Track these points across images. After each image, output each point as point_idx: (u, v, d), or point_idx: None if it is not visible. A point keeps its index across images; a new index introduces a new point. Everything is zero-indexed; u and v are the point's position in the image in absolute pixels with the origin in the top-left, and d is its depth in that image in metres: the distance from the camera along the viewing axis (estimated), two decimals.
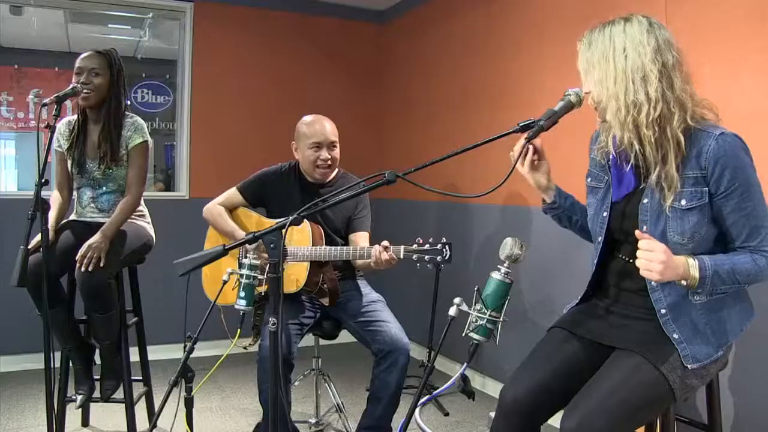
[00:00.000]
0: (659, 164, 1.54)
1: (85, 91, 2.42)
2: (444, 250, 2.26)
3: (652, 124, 1.50)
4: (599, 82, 1.56)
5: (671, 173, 1.52)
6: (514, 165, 1.70)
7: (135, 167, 2.52)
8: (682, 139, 1.51)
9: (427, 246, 2.27)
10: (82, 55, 2.47)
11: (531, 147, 1.72)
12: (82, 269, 2.27)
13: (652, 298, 1.59)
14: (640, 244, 1.47)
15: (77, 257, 2.28)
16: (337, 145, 2.69)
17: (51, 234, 2.33)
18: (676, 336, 1.55)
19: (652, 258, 1.44)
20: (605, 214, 1.69)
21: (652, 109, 1.50)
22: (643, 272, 1.47)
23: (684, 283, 1.49)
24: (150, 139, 2.59)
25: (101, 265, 2.29)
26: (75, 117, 2.56)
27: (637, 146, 1.55)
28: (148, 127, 2.60)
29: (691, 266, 1.48)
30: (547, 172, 1.79)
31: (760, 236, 1.51)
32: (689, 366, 1.53)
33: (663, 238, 1.55)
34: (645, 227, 1.59)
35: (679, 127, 1.51)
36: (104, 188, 2.55)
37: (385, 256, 2.30)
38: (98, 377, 2.52)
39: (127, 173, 2.53)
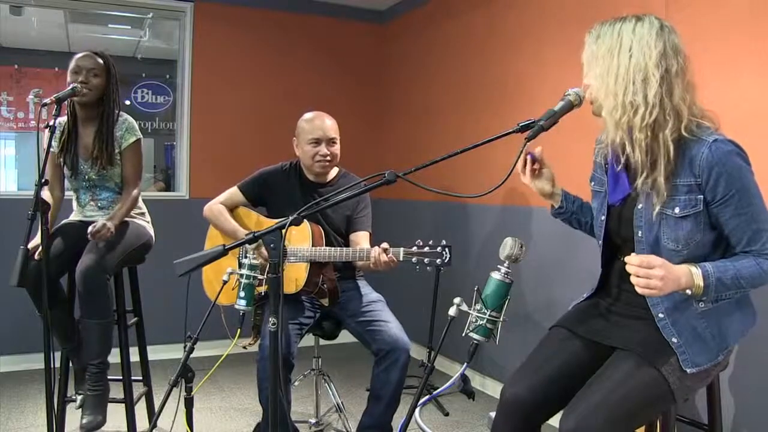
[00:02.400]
0: (647, 170, 1.53)
1: (84, 90, 2.42)
2: (444, 252, 2.25)
3: (645, 128, 1.49)
4: (600, 77, 1.55)
5: (659, 182, 1.51)
6: (513, 166, 1.69)
7: (130, 166, 2.54)
8: (672, 148, 1.49)
9: (426, 249, 2.26)
10: (79, 55, 2.47)
11: (529, 157, 1.72)
12: (98, 243, 2.29)
13: (649, 303, 1.59)
14: (629, 268, 1.45)
15: (89, 231, 2.28)
16: (337, 141, 2.69)
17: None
18: (675, 340, 1.54)
19: (650, 275, 1.42)
20: (603, 217, 1.69)
21: (647, 114, 1.49)
22: (642, 291, 1.44)
23: (689, 292, 1.48)
24: (142, 137, 2.60)
25: (111, 233, 2.31)
26: (64, 119, 2.54)
27: (628, 148, 1.54)
28: (148, 128, 2.60)
29: (695, 275, 1.47)
30: (550, 179, 1.80)
31: (762, 240, 1.49)
32: (688, 371, 1.52)
33: (657, 244, 1.55)
34: (640, 232, 1.58)
35: (672, 135, 1.50)
36: (101, 188, 2.56)
37: (384, 258, 2.29)
38: None
39: (123, 172, 2.54)
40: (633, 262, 1.45)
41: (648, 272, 1.42)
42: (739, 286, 1.49)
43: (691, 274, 1.47)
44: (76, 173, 2.52)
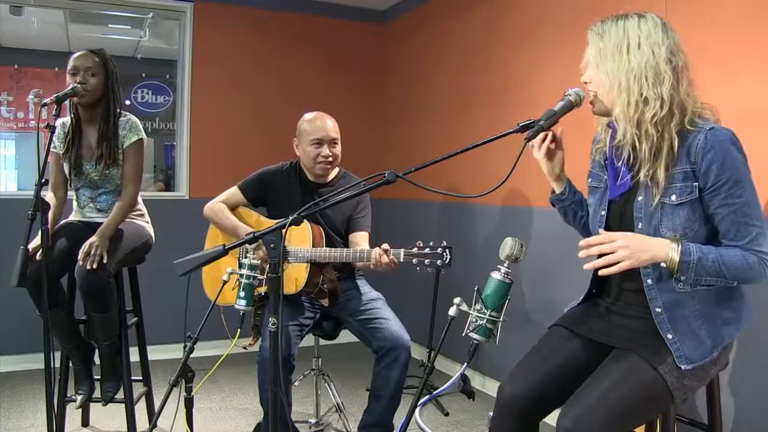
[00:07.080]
0: (650, 162, 1.54)
1: (83, 90, 2.41)
2: (444, 254, 2.26)
3: (656, 123, 1.51)
4: (610, 73, 1.55)
5: (659, 173, 1.52)
6: (514, 166, 1.69)
7: (131, 165, 2.53)
8: (676, 140, 1.51)
9: (427, 250, 2.26)
10: (76, 55, 2.46)
11: (550, 133, 1.71)
12: (87, 267, 2.27)
13: (647, 297, 1.59)
14: (592, 249, 1.49)
15: (79, 256, 2.29)
16: (338, 142, 2.69)
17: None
18: (669, 336, 1.55)
19: (613, 248, 1.46)
20: (603, 212, 1.70)
21: (659, 109, 1.50)
22: (609, 270, 1.47)
23: (664, 265, 1.49)
24: (145, 137, 2.59)
25: (104, 262, 2.30)
26: (67, 119, 2.54)
27: (636, 143, 1.55)
28: (148, 127, 2.59)
29: (672, 249, 1.47)
30: (561, 162, 1.80)
31: (750, 235, 1.49)
32: (683, 367, 1.52)
33: (656, 234, 1.56)
34: (640, 224, 1.59)
35: (676, 128, 1.51)
36: (102, 189, 2.55)
37: (385, 259, 2.29)
38: (98, 377, 2.52)
39: (123, 171, 2.53)
40: (593, 241, 1.49)
41: (611, 246, 1.47)
42: (719, 274, 1.49)
43: (669, 248, 1.47)
44: (79, 173, 2.51)
